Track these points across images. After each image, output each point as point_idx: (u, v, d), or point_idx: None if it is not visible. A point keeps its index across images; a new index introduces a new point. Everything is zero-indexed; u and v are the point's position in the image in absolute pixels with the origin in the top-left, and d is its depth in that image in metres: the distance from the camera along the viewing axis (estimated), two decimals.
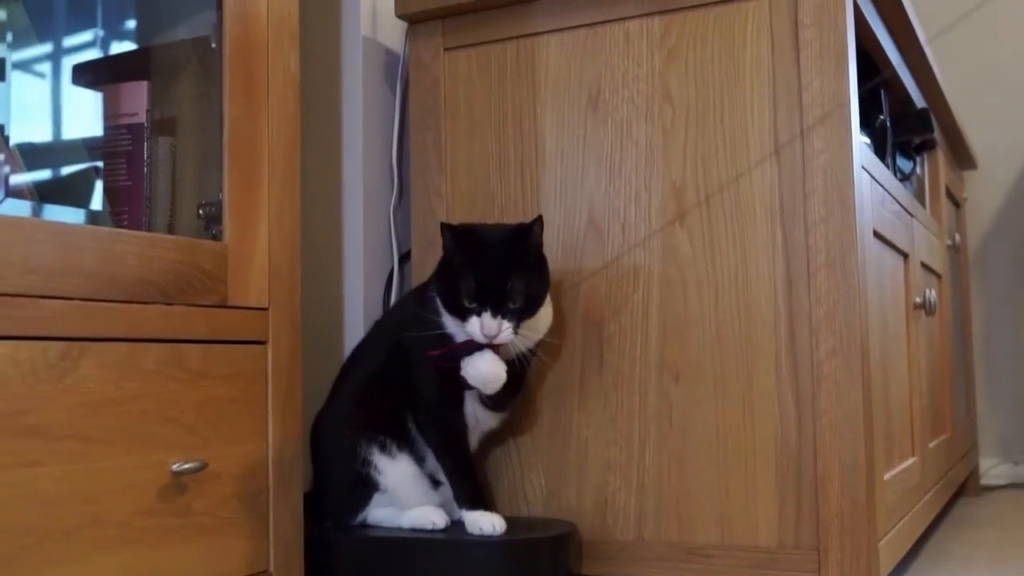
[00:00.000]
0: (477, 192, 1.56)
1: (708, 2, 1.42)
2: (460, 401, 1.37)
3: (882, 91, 1.84)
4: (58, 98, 1.31)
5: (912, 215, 1.86)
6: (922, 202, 2.23)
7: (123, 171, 1.25)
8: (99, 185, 1.26)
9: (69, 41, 1.35)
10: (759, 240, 1.38)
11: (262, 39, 1.22)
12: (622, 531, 1.43)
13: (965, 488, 2.72)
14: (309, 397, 1.32)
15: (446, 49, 1.60)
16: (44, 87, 1.30)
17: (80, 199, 1.26)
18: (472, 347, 1.29)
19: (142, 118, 1.25)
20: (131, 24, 1.42)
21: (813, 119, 1.35)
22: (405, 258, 1.70)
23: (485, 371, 1.28)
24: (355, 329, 1.65)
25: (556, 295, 1.49)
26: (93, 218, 1.23)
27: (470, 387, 1.32)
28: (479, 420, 1.40)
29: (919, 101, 2.06)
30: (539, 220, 1.31)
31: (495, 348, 1.29)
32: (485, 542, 1.29)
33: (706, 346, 1.40)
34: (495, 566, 1.27)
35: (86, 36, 1.37)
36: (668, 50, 1.45)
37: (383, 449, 1.36)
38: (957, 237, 2.63)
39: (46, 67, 1.30)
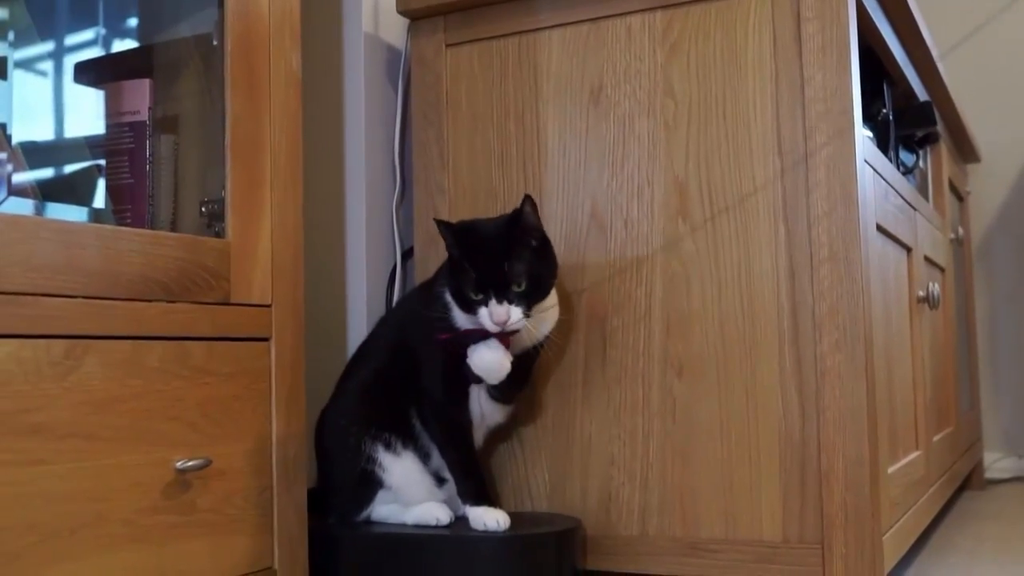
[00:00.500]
0: (479, 188, 1.56)
1: None
2: (465, 397, 1.37)
3: (885, 84, 1.83)
4: (60, 96, 1.31)
5: (915, 209, 1.86)
6: (925, 196, 2.23)
7: (125, 169, 1.25)
8: (102, 183, 1.26)
9: (71, 39, 1.35)
10: (762, 234, 1.38)
11: (264, 36, 1.22)
12: (626, 526, 1.43)
13: (969, 482, 2.71)
14: (312, 394, 1.32)
15: (448, 45, 1.60)
16: (46, 85, 1.30)
17: (83, 197, 1.26)
18: (479, 335, 1.29)
19: (144, 116, 1.25)
20: (133, 22, 1.42)
21: (816, 113, 1.35)
22: (408, 254, 1.70)
23: (490, 360, 1.28)
24: (358, 326, 1.65)
25: (560, 291, 1.49)
26: (96, 216, 1.23)
27: (476, 379, 1.32)
28: (485, 415, 1.40)
29: (922, 94, 2.06)
30: (527, 199, 1.29)
31: (506, 338, 1.29)
32: (489, 538, 1.29)
33: (709, 341, 1.40)
34: (500, 562, 1.28)
35: (88, 34, 1.37)
36: (670, 45, 1.45)
37: (388, 446, 1.36)
38: (960, 230, 2.63)
39: (48, 65, 1.30)
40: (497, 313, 1.25)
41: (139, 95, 1.26)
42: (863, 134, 1.41)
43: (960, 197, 2.78)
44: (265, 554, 1.18)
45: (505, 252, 1.27)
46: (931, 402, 1.94)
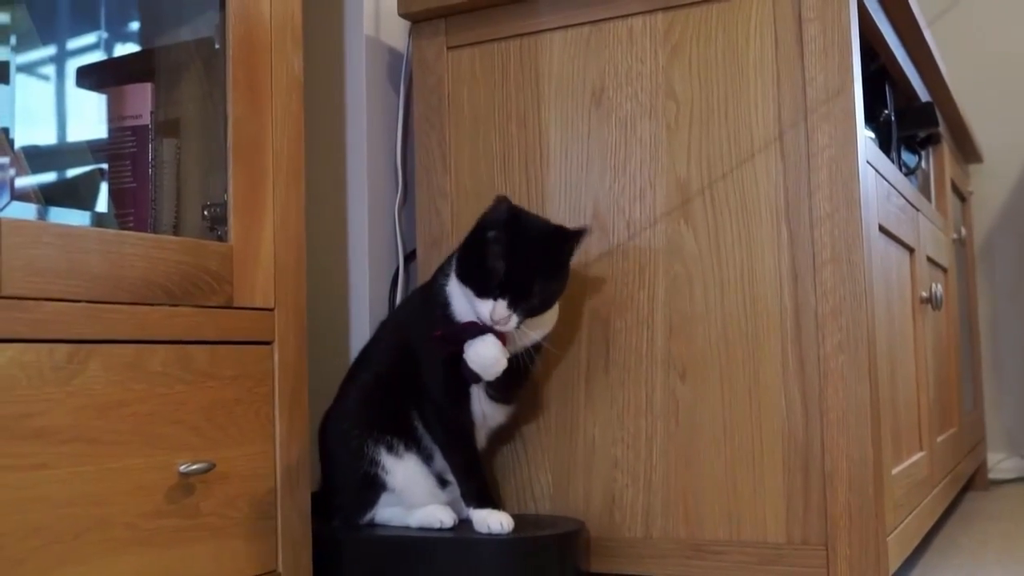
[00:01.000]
0: (482, 191, 1.56)
1: None
2: (466, 398, 1.37)
3: (887, 85, 1.83)
4: (62, 100, 1.31)
5: (918, 209, 1.86)
6: (927, 196, 2.23)
7: (128, 173, 1.25)
8: (104, 187, 1.26)
9: (73, 43, 1.35)
10: (764, 236, 1.38)
11: (265, 40, 1.22)
12: (630, 528, 1.43)
13: (973, 482, 2.71)
14: (315, 397, 1.32)
15: (449, 48, 1.60)
16: (48, 90, 1.30)
17: (85, 201, 1.26)
18: (475, 330, 1.29)
19: (146, 120, 1.25)
20: (134, 26, 1.42)
21: (817, 115, 1.35)
22: (410, 257, 1.70)
23: (486, 355, 1.28)
24: (361, 329, 1.65)
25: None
26: (98, 220, 1.23)
27: (475, 378, 1.31)
28: (487, 416, 1.40)
29: (924, 95, 2.06)
30: (583, 232, 1.31)
31: (503, 336, 1.30)
32: (493, 540, 1.29)
33: (712, 342, 1.40)
34: (503, 564, 1.28)
35: (90, 38, 1.37)
36: (672, 47, 1.45)
37: (390, 449, 1.36)
38: (963, 231, 2.63)
39: (50, 70, 1.31)
40: (500, 314, 1.25)
41: (141, 99, 1.26)
42: (865, 135, 1.40)
43: (962, 197, 2.78)
44: (269, 557, 1.18)
45: (540, 268, 1.28)
46: (934, 403, 1.94)
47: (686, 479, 1.40)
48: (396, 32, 1.75)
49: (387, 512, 1.38)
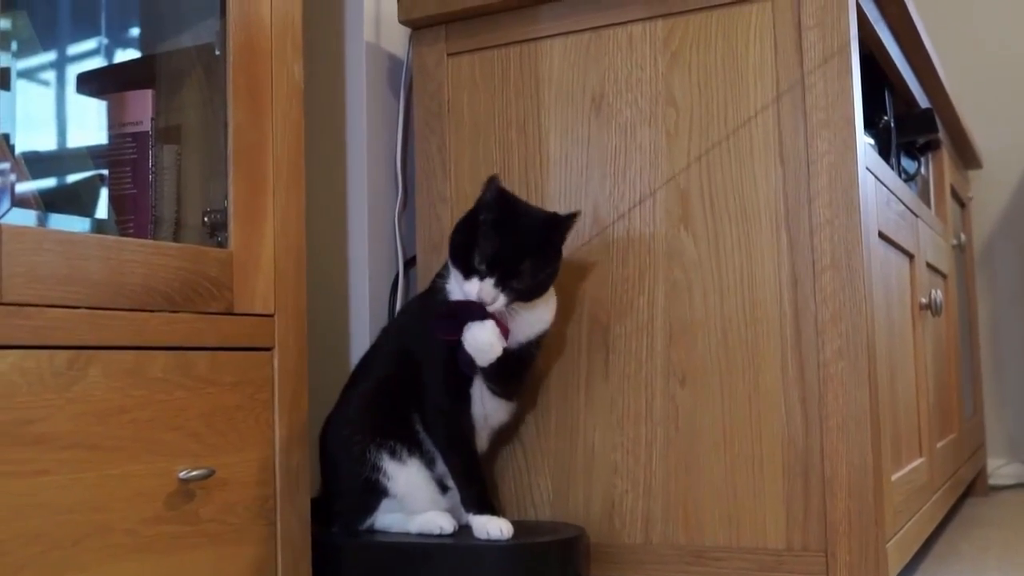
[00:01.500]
0: None
1: (711, 5, 1.42)
2: (467, 400, 1.36)
3: (886, 91, 1.84)
4: (63, 107, 1.31)
5: (917, 215, 1.86)
6: (927, 202, 2.23)
7: (128, 179, 1.25)
8: (104, 193, 1.26)
9: (73, 50, 1.35)
10: (764, 242, 1.38)
11: (266, 46, 1.22)
12: (630, 534, 1.43)
13: (973, 488, 2.71)
14: (316, 403, 1.32)
15: (449, 54, 1.60)
16: (49, 96, 1.30)
17: (85, 208, 1.26)
18: (476, 312, 1.29)
19: (147, 126, 1.25)
20: (135, 32, 1.42)
21: (817, 121, 1.35)
22: (410, 263, 1.70)
23: (481, 339, 1.28)
24: (361, 335, 1.65)
25: (562, 297, 1.49)
26: (98, 227, 1.23)
27: (471, 365, 1.31)
28: (488, 415, 1.39)
29: (923, 101, 2.06)
30: (575, 216, 1.32)
31: (503, 325, 1.30)
32: (493, 546, 1.29)
33: (712, 348, 1.40)
34: (503, 570, 1.27)
35: (90, 45, 1.38)
36: (671, 53, 1.45)
37: (393, 454, 1.36)
38: (963, 237, 2.63)
39: (51, 76, 1.31)
40: (486, 292, 1.26)
41: (141, 105, 1.26)
42: (865, 141, 1.41)
43: (962, 203, 2.78)
44: (268, 564, 1.18)
45: (528, 248, 1.28)
46: (934, 408, 1.94)
47: (686, 485, 1.40)
48: (396, 39, 1.75)
49: (387, 518, 1.38)
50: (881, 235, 1.49)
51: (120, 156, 1.26)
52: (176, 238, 1.27)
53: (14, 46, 1.22)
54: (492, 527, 1.31)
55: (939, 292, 1.91)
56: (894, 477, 1.46)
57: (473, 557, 1.28)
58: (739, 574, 1.35)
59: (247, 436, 1.16)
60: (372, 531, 1.39)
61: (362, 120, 1.68)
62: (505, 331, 1.30)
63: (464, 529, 1.36)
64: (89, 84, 1.32)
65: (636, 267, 1.45)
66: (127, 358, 1.02)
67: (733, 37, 1.41)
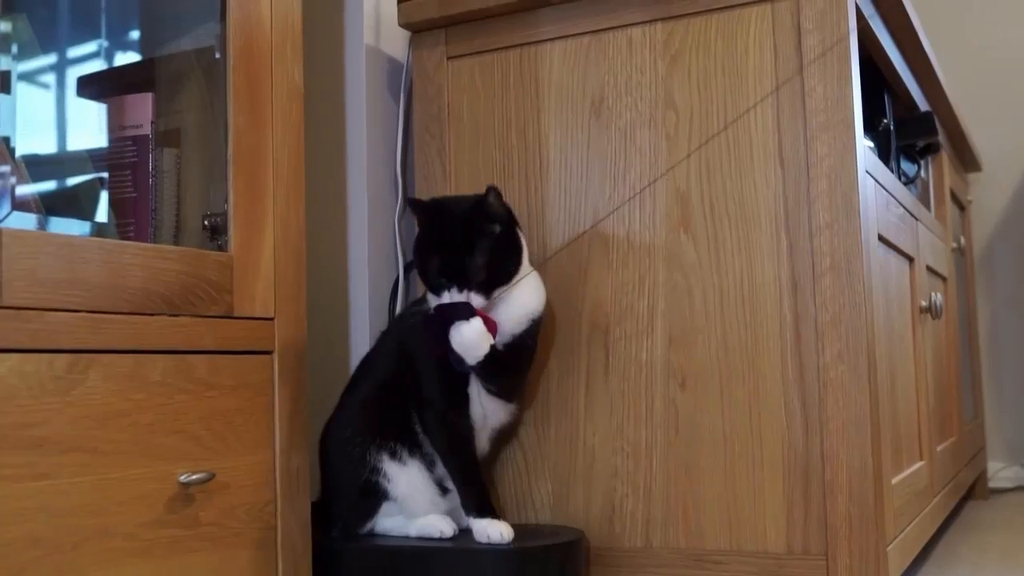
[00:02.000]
0: None
1: (711, 8, 1.43)
2: (466, 401, 1.36)
3: (886, 95, 1.84)
4: (63, 110, 1.31)
5: (917, 218, 1.86)
6: (927, 205, 2.23)
7: (128, 183, 1.25)
8: (104, 197, 1.26)
9: (73, 53, 1.35)
10: (764, 246, 1.38)
11: (266, 49, 1.22)
12: (630, 538, 1.43)
13: (973, 491, 2.71)
14: (316, 406, 1.32)
15: (449, 58, 1.61)
16: (49, 99, 1.30)
17: (85, 211, 1.26)
18: (464, 311, 1.29)
19: (147, 129, 1.25)
20: (135, 35, 1.42)
21: (817, 124, 1.35)
22: (410, 267, 1.70)
23: (468, 336, 1.28)
24: (361, 338, 1.65)
25: (561, 300, 1.49)
26: (98, 230, 1.23)
27: (461, 363, 1.30)
28: (487, 416, 1.39)
29: (923, 104, 2.06)
30: (492, 190, 1.32)
31: (491, 322, 1.30)
32: (493, 550, 1.29)
33: (712, 352, 1.40)
34: (503, 574, 1.27)
35: (90, 48, 1.38)
36: (671, 57, 1.45)
37: (393, 455, 1.36)
38: (962, 240, 2.63)
39: (51, 79, 1.31)
40: (456, 300, 1.28)
41: (142, 109, 1.26)
42: (864, 145, 1.41)
43: (961, 206, 2.78)
44: (269, 568, 1.18)
45: (467, 243, 1.29)
46: (934, 412, 1.94)
47: (686, 488, 1.40)
48: (396, 42, 1.75)
49: (387, 522, 1.38)
50: (881, 238, 1.49)
51: (120, 159, 1.26)
52: (176, 241, 1.27)
53: (14, 49, 1.22)
54: (492, 531, 1.31)
55: (939, 295, 1.91)
56: (894, 480, 1.46)
57: (473, 561, 1.28)
58: None
59: (247, 440, 1.16)
60: (372, 535, 1.39)
61: (362, 123, 1.68)
62: (494, 326, 1.30)
63: (464, 533, 1.36)
64: (89, 87, 1.32)
65: (636, 270, 1.45)
66: (127, 362, 1.02)
67: (733, 40, 1.41)
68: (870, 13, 1.54)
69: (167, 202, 1.27)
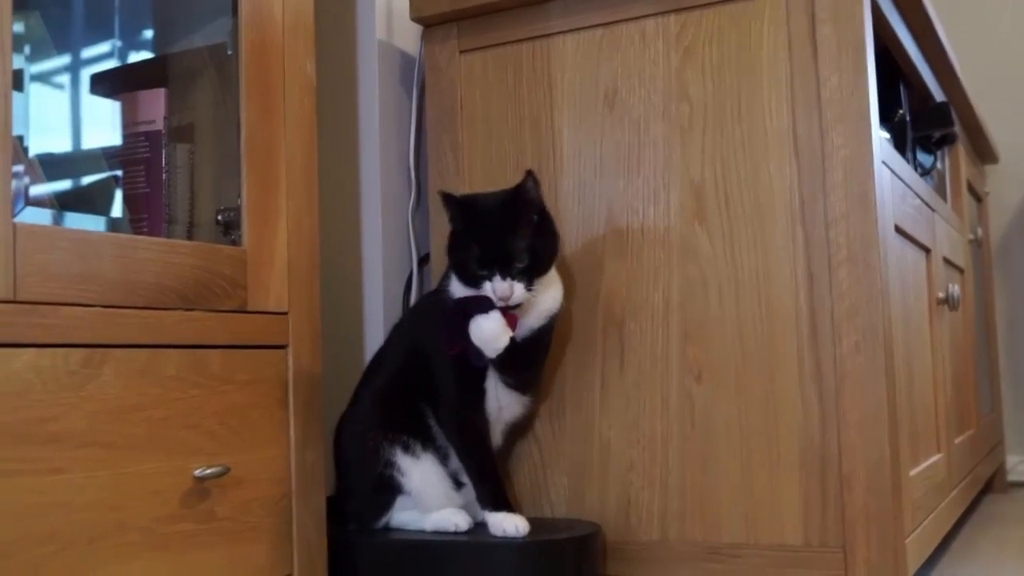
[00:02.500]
0: None
1: None
2: (481, 395, 1.36)
3: (901, 85, 1.82)
4: (76, 108, 1.32)
5: (933, 210, 1.85)
6: (943, 197, 2.22)
7: (142, 178, 1.25)
8: (118, 193, 1.26)
9: (87, 51, 1.35)
10: (779, 237, 1.37)
11: (278, 44, 1.22)
12: (646, 531, 1.42)
13: (991, 485, 2.69)
14: (330, 400, 1.32)
15: (461, 51, 1.60)
16: (62, 97, 1.31)
17: (100, 207, 1.26)
18: (484, 304, 1.29)
19: (160, 125, 1.26)
20: (148, 33, 1.42)
21: (832, 115, 1.34)
22: (424, 261, 1.70)
23: (488, 329, 1.28)
24: (375, 332, 1.65)
25: (577, 294, 1.48)
26: (113, 226, 1.23)
27: (480, 357, 1.31)
28: (503, 408, 1.39)
29: (938, 95, 2.05)
30: (530, 174, 1.31)
31: (511, 316, 1.30)
32: (509, 544, 1.29)
33: (728, 344, 1.39)
34: (519, 568, 1.27)
35: (103, 46, 1.38)
36: (684, 48, 1.45)
37: (407, 449, 1.36)
38: (979, 231, 2.61)
39: (64, 77, 1.31)
40: (501, 289, 1.27)
41: (155, 105, 1.27)
42: (880, 135, 1.40)
43: (978, 198, 2.76)
44: (284, 562, 1.18)
45: (508, 228, 1.29)
46: (952, 404, 1.93)
47: (702, 481, 1.39)
48: (408, 36, 1.75)
49: (402, 516, 1.38)
50: (897, 229, 1.48)
51: (133, 155, 1.26)
52: (190, 236, 1.27)
53: (28, 48, 1.22)
54: (508, 524, 1.30)
55: (956, 287, 1.89)
56: (912, 473, 1.45)
57: (489, 554, 1.28)
58: (756, 571, 1.35)
59: (262, 434, 1.16)
60: (388, 529, 1.39)
61: (375, 118, 1.68)
62: (513, 320, 1.30)
63: (480, 526, 1.35)
64: (102, 84, 1.33)
65: (651, 263, 1.45)
66: (141, 356, 1.02)
67: (746, 31, 1.41)
68: (885, 2, 1.53)
69: (180, 197, 1.27)
